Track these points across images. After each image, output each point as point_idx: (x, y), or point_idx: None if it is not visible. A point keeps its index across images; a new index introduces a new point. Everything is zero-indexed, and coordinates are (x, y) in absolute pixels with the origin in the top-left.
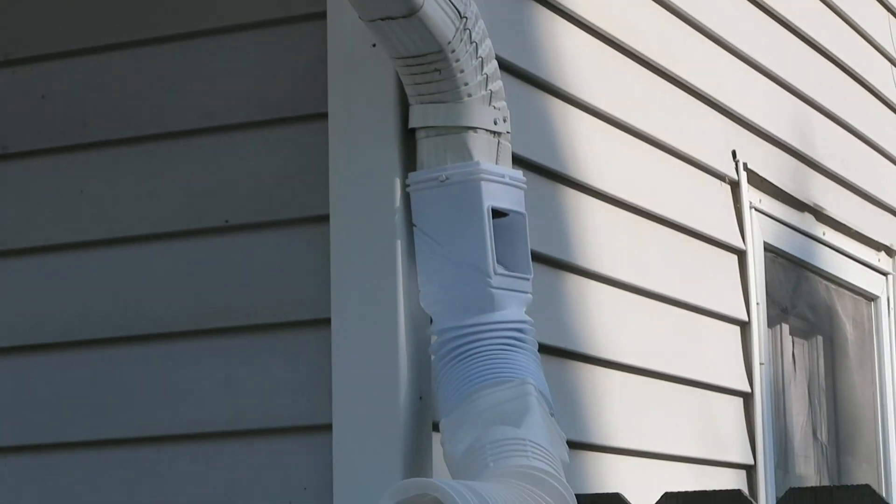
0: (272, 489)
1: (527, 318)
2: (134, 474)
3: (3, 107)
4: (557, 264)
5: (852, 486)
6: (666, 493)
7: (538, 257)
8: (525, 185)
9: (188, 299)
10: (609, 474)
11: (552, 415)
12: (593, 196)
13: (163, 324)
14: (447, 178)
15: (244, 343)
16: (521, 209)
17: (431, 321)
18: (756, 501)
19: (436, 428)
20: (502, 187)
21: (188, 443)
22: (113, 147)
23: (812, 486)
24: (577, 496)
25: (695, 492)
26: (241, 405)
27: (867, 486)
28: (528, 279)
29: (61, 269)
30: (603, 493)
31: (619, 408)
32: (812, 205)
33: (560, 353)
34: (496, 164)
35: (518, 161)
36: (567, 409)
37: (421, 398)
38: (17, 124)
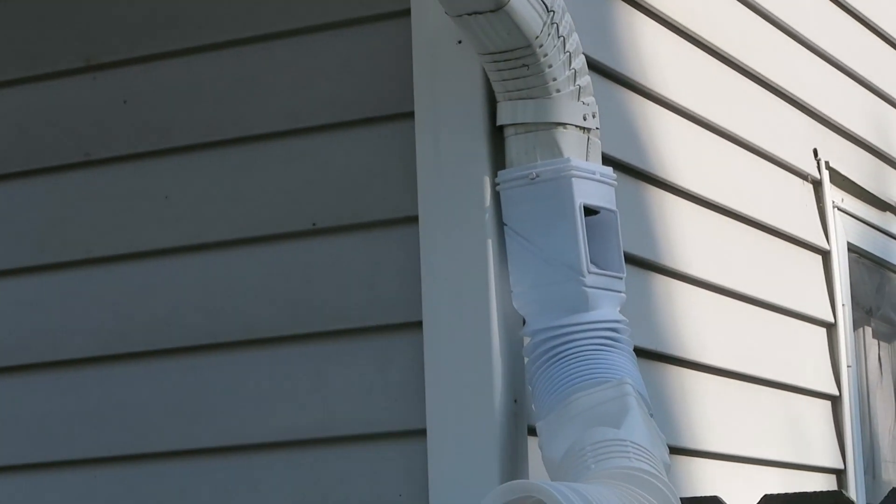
0: (366, 496)
1: (621, 317)
2: (227, 483)
3: (85, 113)
4: (645, 265)
5: None
6: (766, 496)
7: (626, 257)
8: (616, 182)
9: (277, 304)
10: (701, 478)
11: (651, 415)
12: (678, 195)
13: (251, 329)
14: (538, 176)
15: (334, 347)
16: (613, 206)
17: (524, 322)
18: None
19: (531, 431)
20: (593, 184)
21: (280, 450)
22: (197, 151)
23: None
24: None
25: (795, 493)
26: (333, 410)
27: None
28: (621, 278)
29: (147, 276)
30: (701, 497)
31: (708, 411)
32: (893, 204)
33: (650, 355)
34: (586, 160)
35: (604, 159)
36: (658, 411)
37: (516, 401)
38: (100, 130)
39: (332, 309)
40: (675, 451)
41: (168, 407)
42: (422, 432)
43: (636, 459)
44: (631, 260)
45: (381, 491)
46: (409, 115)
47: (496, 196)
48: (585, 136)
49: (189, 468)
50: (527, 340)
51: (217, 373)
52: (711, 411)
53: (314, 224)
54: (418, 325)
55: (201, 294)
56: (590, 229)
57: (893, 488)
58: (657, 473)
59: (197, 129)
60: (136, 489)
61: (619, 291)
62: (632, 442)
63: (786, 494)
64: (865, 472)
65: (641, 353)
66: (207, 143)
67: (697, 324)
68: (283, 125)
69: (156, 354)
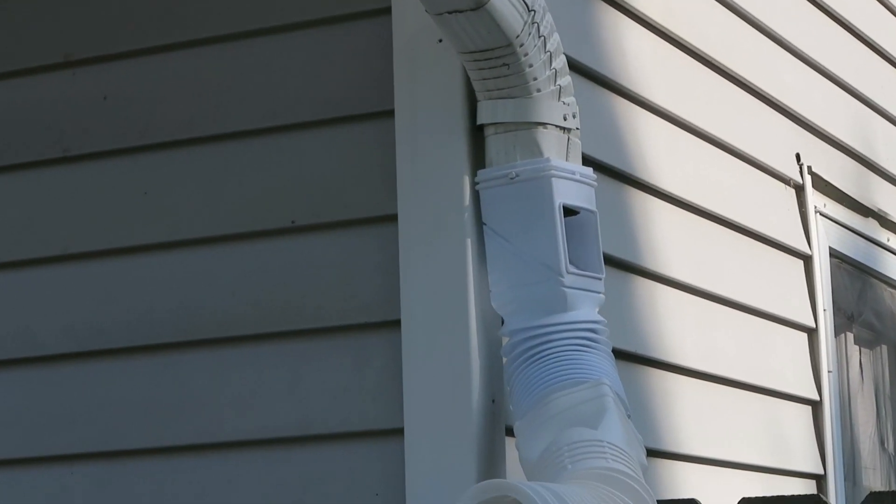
0: (343, 495)
1: (600, 318)
2: (201, 481)
3: (64, 109)
4: (625, 267)
5: None
6: (744, 499)
7: (606, 259)
8: (596, 183)
9: (255, 301)
10: (680, 481)
11: (629, 416)
12: (659, 197)
13: (228, 327)
14: (517, 175)
15: (311, 346)
16: (593, 207)
17: (503, 322)
18: None
19: (509, 432)
20: (573, 184)
21: (255, 449)
22: (176, 148)
23: (893, 491)
24: None
25: (774, 497)
26: (309, 410)
27: None
28: (600, 279)
29: (125, 273)
30: (678, 499)
31: (688, 413)
32: (876, 210)
33: (630, 358)
34: (566, 160)
35: (584, 160)
36: (638, 413)
37: (493, 401)
38: (79, 126)
39: (310, 307)
40: (654, 453)
41: (144, 404)
42: (399, 432)
43: (613, 460)
44: (611, 261)
45: (357, 490)
46: (389, 114)
47: (475, 195)
48: (566, 136)
49: (165, 466)
50: (505, 340)
51: (194, 370)
52: (691, 414)
53: (293, 222)
54: (396, 324)
55: (179, 291)
56: (569, 230)
57: (871, 492)
58: (634, 474)
59: (176, 126)
60: (111, 486)
61: (598, 292)
62: (608, 443)
63: (764, 498)
64: (846, 478)
65: (621, 354)
66: (187, 139)
67: (678, 326)
68: (263, 122)
69: (132, 351)
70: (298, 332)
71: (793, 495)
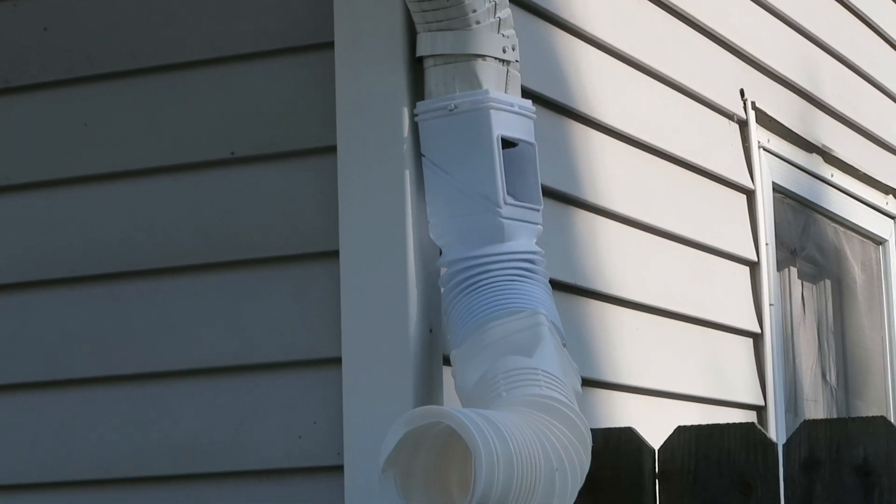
0: (282, 425)
1: (537, 248)
2: (142, 411)
3: (4, 40)
4: (566, 199)
5: (867, 417)
6: (679, 427)
7: (546, 192)
8: (535, 115)
9: (194, 233)
10: (620, 411)
11: (564, 345)
12: (601, 131)
13: (169, 258)
14: (456, 107)
15: (252, 277)
16: (531, 139)
17: (441, 253)
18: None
19: (447, 361)
20: (512, 116)
21: (196, 378)
22: (117, 80)
23: (827, 419)
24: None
25: (708, 425)
26: (250, 339)
27: (882, 418)
28: (538, 210)
29: (65, 204)
30: (615, 428)
31: (629, 346)
32: (820, 146)
33: (570, 290)
34: (505, 92)
35: (524, 93)
36: (577, 345)
37: (431, 331)
38: (20, 57)
39: (251, 238)
40: (594, 383)
41: (85, 334)
42: (337, 361)
43: (547, 388)
44: (551, 194)
45: (296, 419)
46: (329, 46)
47: (415, 127)
48: (505, 68)
49: (106, 395)
50: (443, 271)
51: (135, 301)
52: (631, 346)
53: (233, 153)
54: (335, 254)
55: (120, 222)
56: (507, 161)
57: (805, 420)
58: (568, 402)
59: (117, 57)
60: (52, 416)
61: (536, 223)
62: (543, 371)
63: (699, 426)
64: (787, 410)
65: (561, 286)
66: (127, 70)
67: (619, 259)
68: (204, 54)
69: (74, 282)
70: (239, 263)
71: (728, 423)
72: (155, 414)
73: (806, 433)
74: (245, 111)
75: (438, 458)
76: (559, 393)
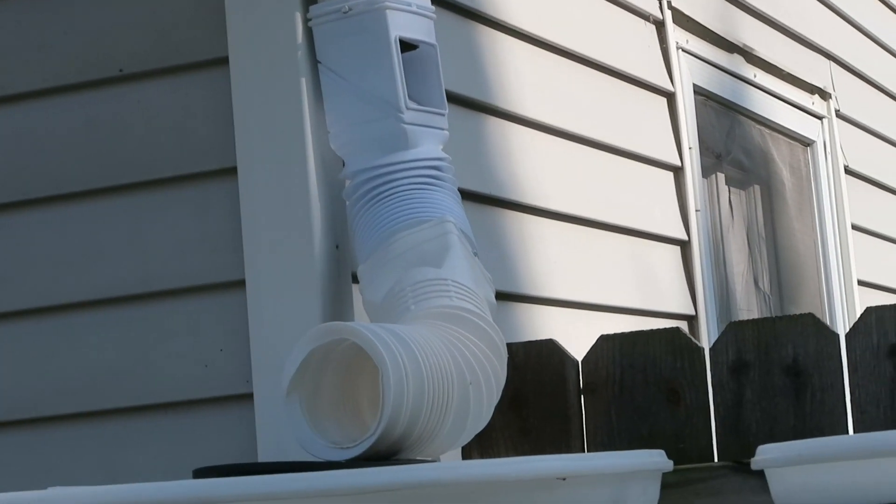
0: (187, 353)
1: (444, 154)
2: (46, 344)
3: None
4: (476, 105)
5: (795, 315)
6: (602, 336)
7: (455, 98)
8: (434, 15)
9: (86, 156)
10: (542, 324)
11: (475, 254)
12: (510, 34)
13: (61, 184)
14: (350, 9)
15: (148, 199)
16: (432, 40)
17: (343, 164)
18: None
19: (356, 279)
20: (410, 16)
21: (98, 308)
22: None
23: (754, 319)
24: (508, 345)
25: (632, 332)
26: (151, 265)
27: (811, 315)
28: (443, 114)
29: None
30: (536, 341)
31: (550, 256)
32: (741, 45)
33: (484, 200)
34: None
35: None
36: (494, 257)
37: (338, 247)
38: None
39: (144, 159)
40: (514, 297)
41: None
42: (241, 283)
43: (458, 298)
44: (458, 100)
45: (202, 345)
46: None
47: (309, 32)
48: None
49: (5, 331)
50: (347, 183)
51: (27, 232)
52: (553, 257)
53: (121, 70)
54: (233, 171)
55: (7, 149)
56: (408, 64)
57: (730, 322)
58: (480, 313)
59: None
60: None
61: (442, 129)
62: (453, 281)
63: (622, 334)
64: (719, 320)
65: (474, 196)
66: None
67: (536, 167)
68: None
69: None
70: (133, 185)
71: (652, 329)
72: (58, 347)
73: (733, 335)
74: (131, 26)
75: (348, 379)
76: (471, 304)
